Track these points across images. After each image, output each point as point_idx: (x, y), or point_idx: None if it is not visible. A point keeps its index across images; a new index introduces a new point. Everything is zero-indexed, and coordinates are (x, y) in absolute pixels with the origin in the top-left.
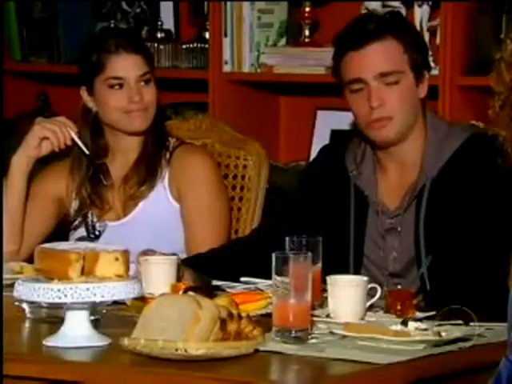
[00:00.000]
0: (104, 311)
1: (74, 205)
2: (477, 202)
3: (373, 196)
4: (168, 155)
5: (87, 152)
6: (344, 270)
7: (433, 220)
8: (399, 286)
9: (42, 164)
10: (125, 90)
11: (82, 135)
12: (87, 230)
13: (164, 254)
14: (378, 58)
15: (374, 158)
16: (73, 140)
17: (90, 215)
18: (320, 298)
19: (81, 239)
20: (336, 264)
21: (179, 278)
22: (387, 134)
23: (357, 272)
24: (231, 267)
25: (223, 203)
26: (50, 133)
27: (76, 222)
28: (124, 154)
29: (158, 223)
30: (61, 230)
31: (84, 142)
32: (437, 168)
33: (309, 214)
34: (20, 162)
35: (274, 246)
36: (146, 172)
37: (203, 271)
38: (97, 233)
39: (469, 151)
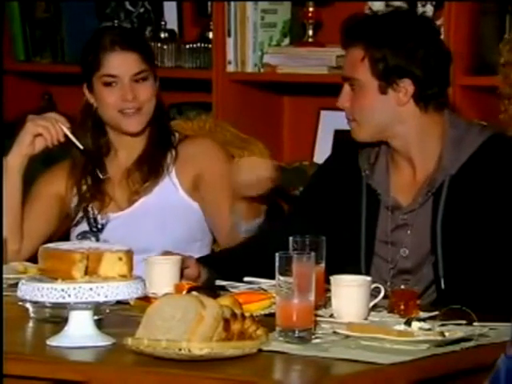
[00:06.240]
0: (107, 311)
1: (75, 200)
2: (496, 203)
3: (385, 194)
4: (174, 152)
5: (81, 146)
6: (354, 270)
7: (451, 218)
8: (407, 283)
9: (43, 164)
10: (118, 87)
11: (83, 131)
12: (89, 224)
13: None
14: (346, 63)
15: (388, 156)
16: (66, 135)
17: (90, 209)
18: (323, 298)
19: (83, 234)
20: (347, 263)
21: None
22: (353, 134)
23: (367, 270)
24: (246, 264)
25: None
26: (43, 129)
27: (77, 218)
28: (126, 151)
29: (162, 215)
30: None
31: (84, 138)
32: (456, 166)
33: (320, 214)
34: (15, 161)
35: (283, 244)
36: (148, 170)
37: (220, 268)
38: (99, 226)
39: (489, 151)
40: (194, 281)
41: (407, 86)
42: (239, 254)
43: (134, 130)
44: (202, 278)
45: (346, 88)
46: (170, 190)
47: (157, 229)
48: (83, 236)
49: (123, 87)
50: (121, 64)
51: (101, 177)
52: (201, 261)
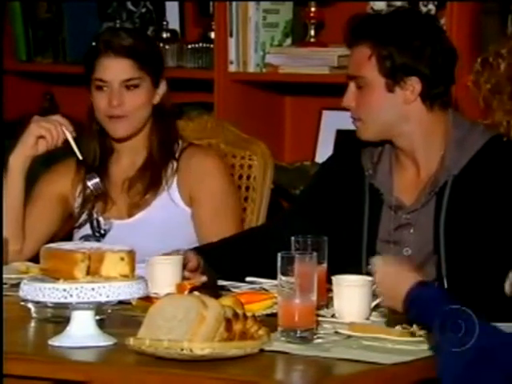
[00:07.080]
0: (109, 311)
1: (79, 200)
2: (499, 203)
3: (388, 193)
4: (175, 164)
5: (80, 156)
6: (356, 269)
7: (454, 217)
8: None
9: (44, 165)
10: (108, 92)
11: (90, 131)
12: (92, 227)
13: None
14: (352, 61)
15: (392, 155)
16: (67, 141)
17: (94, 213)
18: (325, 298)
19: (86, 237)
20: (348, 263)
21: (185, 277)
22: (359, 133)
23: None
24: (243, 258)
25: (236, 201)
26: (46, 131)
27: (81, 220)
28: (129, 155)
29: (165, 225)
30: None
31: (91, 138)
32: (459, 166)
33: (321, 213)
34: (17, 162)
35: (284, 243)
36: (150, 181)
37: (217, 261)
38: (102, 231)
39: (492, 152)
40: (194, 271)
41: (414, 83)
42: (240, 251)
43: (119, 136)
44: (201, 268)
45: (352, 87)
46: (169, 203)
47: (157, 240)
48: (86, 240)
49: (111, 93)
50: (111, 69)
51: (94, 193)
52: (201, 256)
